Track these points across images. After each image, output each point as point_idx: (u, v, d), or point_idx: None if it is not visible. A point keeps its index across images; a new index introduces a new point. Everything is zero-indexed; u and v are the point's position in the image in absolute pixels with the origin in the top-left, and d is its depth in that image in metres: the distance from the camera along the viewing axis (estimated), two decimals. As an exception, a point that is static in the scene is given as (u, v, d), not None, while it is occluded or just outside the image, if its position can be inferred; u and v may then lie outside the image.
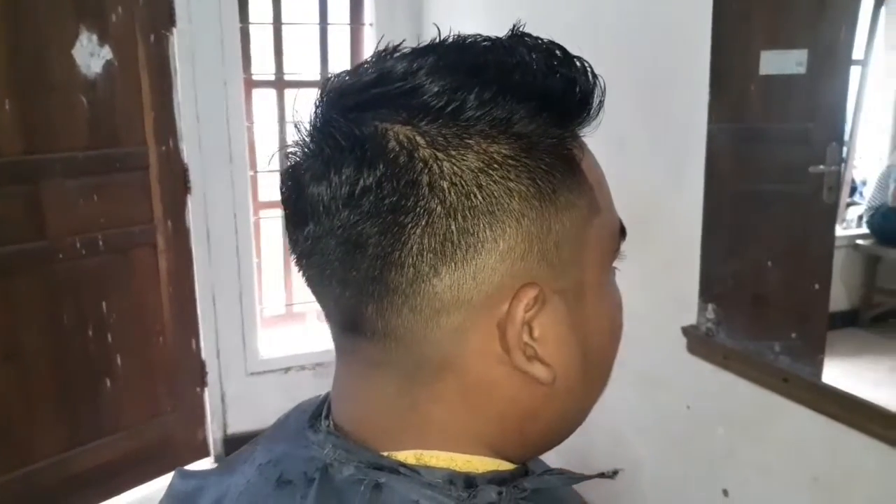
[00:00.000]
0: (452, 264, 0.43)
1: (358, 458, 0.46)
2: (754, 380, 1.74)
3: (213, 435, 2.91)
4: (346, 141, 0.43)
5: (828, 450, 1.58)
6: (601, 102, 0.46)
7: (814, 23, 1.88)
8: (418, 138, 0.42)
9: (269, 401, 2.93)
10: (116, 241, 2.54)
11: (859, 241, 3.23)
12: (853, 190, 3.45)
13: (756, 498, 1.77)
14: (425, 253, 0.42)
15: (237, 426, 2.93)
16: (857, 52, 3.11)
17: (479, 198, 0.42)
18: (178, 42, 2.60)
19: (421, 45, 0.45)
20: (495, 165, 0.42)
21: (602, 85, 0.45)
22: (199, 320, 2.81)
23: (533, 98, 0.43)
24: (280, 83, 2.94)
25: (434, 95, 0.42)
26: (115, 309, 2.56)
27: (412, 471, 0.45)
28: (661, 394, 1.98)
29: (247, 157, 2.81)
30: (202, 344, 2.83)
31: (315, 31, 2.95)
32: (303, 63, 3.01)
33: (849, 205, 3.34)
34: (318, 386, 2.83)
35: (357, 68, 0.46)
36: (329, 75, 0.47)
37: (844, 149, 2.52)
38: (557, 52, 0.45)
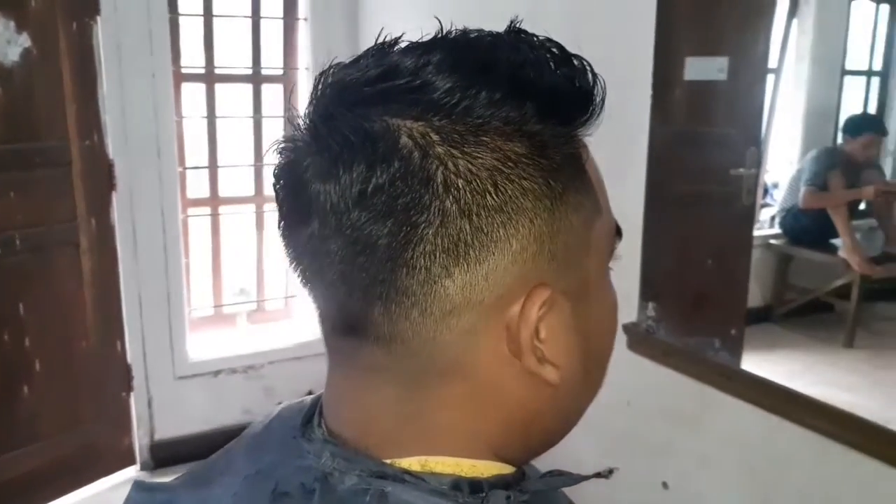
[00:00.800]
0: (465, 265, 0.42)
1: (360, 466, 0.45)
2: (693, 375, 1.81)
3: (139, 442, 2.79)
4: (355, 137, 0.41)
5: (765, 442, 1.66)
6: (603, 101, 0.46)
7: (734, 32, 1.98)
8: (432, 135, 0.41)
9: (199, 405, 2.84)
10: (35, 239, 2.40)
11: (772, 241, 3.41)
12: (765, 192, 3.64)
13: (695, 490, 1.84)
14: (438, 253, 0.41)
15: (165, 432, 2.83)
16: (772, 62, 3.28)
17: (494, 196, 0.41)
18: (103, 31, 2.48)
19: (424, 40, 0.44)
20: (510, 164, 0.42)
21: (602, 83, 0.45)
22: (124, 322, 2.68)
23: (542, 97, 0.43)
24: (210, 77, 2.85)
25: (446, 92, 0.41)
26: (34, 311, 2.42)
27: (417, 478, 0.44)
28: (602, 390, 2.03)
29: (175, 153, 2.71)
30: (128, 347, 2.71)
31: (247, 24, 2.87)
32: (234, 57, 2.93)
33: (762, 206, 3.52)
34: (249, 389, 2.77)
35: (356, 62, 0.44)
36: (325, 67, 0.45)
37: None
38: (555, 49, 0.45)
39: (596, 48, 2.00)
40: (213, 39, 2.82)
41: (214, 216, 3.00)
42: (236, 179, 3.10)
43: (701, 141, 2.03)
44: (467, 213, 0.41)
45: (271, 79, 2.97)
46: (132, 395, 2.75)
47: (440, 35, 0.44)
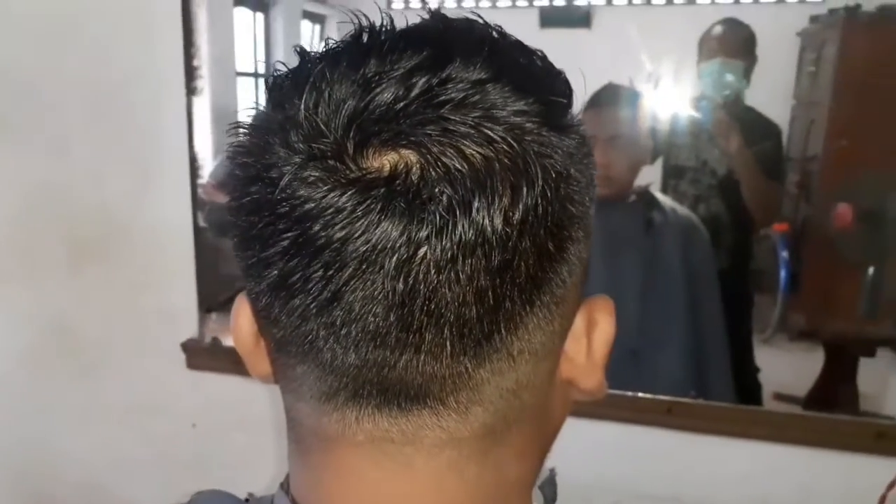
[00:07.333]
0: (568, 291, 0.37)
1: None
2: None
3: None
4: (482, 156, 0.32)
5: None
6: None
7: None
8: (551, 142, 0.35)
9: None
10: None
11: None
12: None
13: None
14: (559, 287, 0.36)
15: None
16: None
17: (591, 212, 0.38)
18: None
19: (406, 33, 0.36)
20: (591, 169, 0.38)
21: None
22: None
23: (570, 95, 0.39)
24: None
25: (542, 104, 0.35)
26: None
27: None
28: (161, 420, 1.83)
29: None
30: None
31: None
32: None
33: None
34: None
35: (363, 75, 0.34)
36: (323, 75, 0.34)
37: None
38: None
39: (111, 37, 1.70)
40: None
41: None
42: None
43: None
44: (584, 233, 0.37)
45: None
46: None
47: (437, 28, 0.36)
